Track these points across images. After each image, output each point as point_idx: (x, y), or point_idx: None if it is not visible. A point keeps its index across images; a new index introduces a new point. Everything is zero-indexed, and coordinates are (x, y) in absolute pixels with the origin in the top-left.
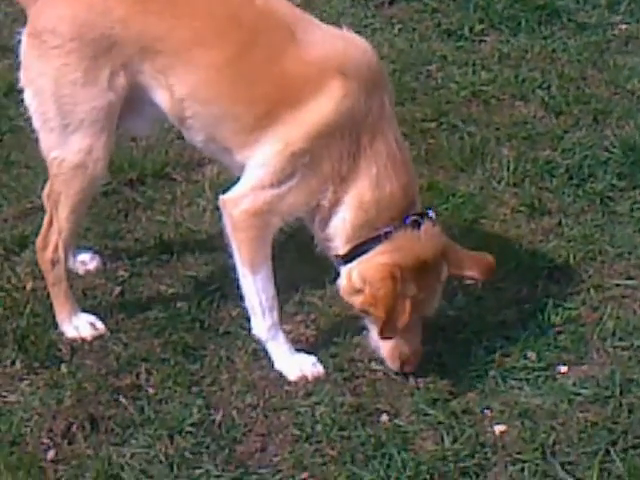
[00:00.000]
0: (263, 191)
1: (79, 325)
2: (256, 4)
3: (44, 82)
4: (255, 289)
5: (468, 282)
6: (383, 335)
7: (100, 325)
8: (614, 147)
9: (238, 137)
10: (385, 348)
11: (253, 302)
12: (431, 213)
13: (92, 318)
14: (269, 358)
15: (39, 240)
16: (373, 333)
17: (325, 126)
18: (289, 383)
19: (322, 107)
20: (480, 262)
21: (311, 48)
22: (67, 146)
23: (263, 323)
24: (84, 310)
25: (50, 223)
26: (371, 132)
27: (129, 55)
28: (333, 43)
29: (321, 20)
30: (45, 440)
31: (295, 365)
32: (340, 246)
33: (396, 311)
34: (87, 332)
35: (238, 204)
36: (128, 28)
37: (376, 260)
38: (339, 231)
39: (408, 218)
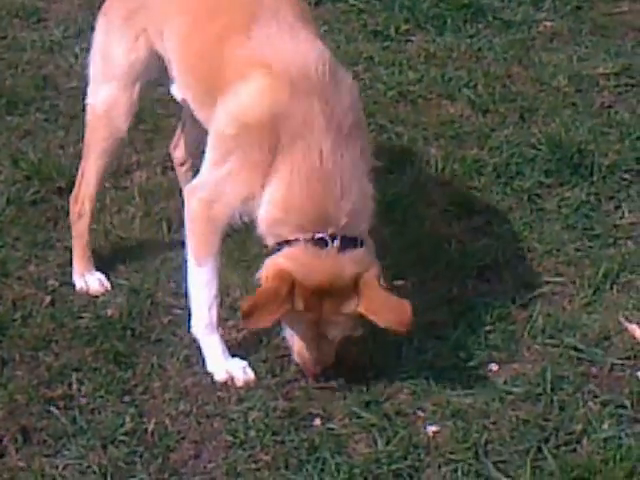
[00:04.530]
0: (210, 175)
1: (89, 280)
2: None
3: (97, 40)
4: (199, 282)
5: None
6: (241, 322)
7: (106, 283)
8: (541, 144)
9: (201, 112)
10: (293, 345)
11: (196, 296)
12: (362, 240)
13: (102, 277)
14: (201, 365)
15: (72, 195)
16: (286, 329)
17: (244, 115)
18: (221, 389)
19: (241, 97)
20: (397, 310)
21: (257, 39)
22: (97, 95)
23: (202, 319)
24: (12, 320)
25: (82, 176)
26: (290, 135)
27: (150, 18)
28: (280, 40)
29: None
30: None
31: (226, 368)
32: (266, 241)
33: (263, 310)
34: (94, 287)
35: (195, 193)
36: None
37: (277, 260)
38: (259, 224)
39: (318, 234)
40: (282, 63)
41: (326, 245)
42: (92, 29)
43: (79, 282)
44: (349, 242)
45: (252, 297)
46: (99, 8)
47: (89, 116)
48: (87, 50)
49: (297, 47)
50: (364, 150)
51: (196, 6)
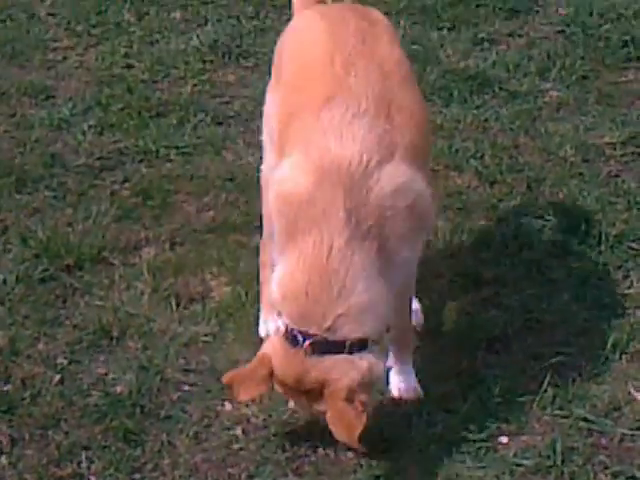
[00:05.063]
0: None
1: (269, 327)
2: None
3: None
4: None
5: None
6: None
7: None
8: (548, 215)
9: None
10: None
11: None
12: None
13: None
14: (211, 441)
15: (260, 243)
16: None
17: (276, 188)
18: (232, 465)
19: (279, 171)
20: (348, 428)
21: (321, 122)
22: (264, 163)
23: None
24: (22, 399)
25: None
26: (308, 222)
27: None
28: (335, 127)
29: (254, 97)
30: None
31: None
32: None
33: (242, 386)
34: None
35: None
36: None
37: (267, 341)
38: None
39: (293, 330)
40: (320, 149)
41: (297, 344)
42: (99, 106)
43: (261, 328)
44: (328, 346)
45: (235, 371)
46: (107, 85)
47: (261, 180)
48: (95, 127)
49: (344, 136)
50: (384, 250)
51: (291, 77)
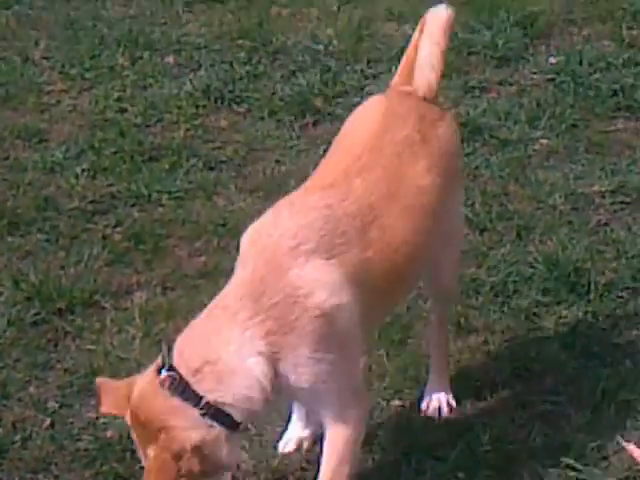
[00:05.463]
0: None
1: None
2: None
3: None
4: None
5: None
6: None
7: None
8: (538, 263)
9: None
10: None
11: None
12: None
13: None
14: None
15: None
16: None
17: None
18: None
19: None
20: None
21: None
22: None
23: None
24: (12, 442)
25: None
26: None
27: None
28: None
29: (247, 142)
30: None
31: None
32: None
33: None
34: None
35: None
36: None
37: None
38: None
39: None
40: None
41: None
42: (92, 149)
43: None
44: (186, 392)
45: (107, 380)
46: (100, 129)
47: None
48: (87, 171)
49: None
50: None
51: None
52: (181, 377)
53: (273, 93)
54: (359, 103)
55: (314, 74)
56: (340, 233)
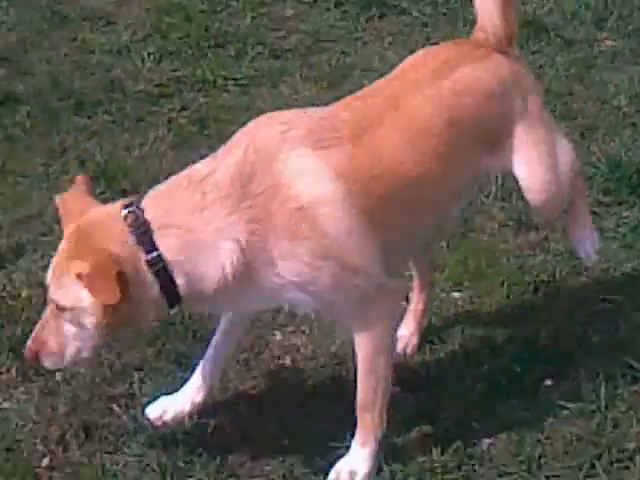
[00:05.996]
0: None
1: None
2: None
3: None
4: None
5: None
6: None
7: None
8: (600, 163)
9: None
10: None
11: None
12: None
13: None
14: (260, 369)
15: None
16: None
17: None
18: (280, 393)
19: None
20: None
21: None
22: None
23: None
24: None
25: None
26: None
27: None
28: None
29: (312, 32)
30: (40, 447)
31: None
32: None
33: None
34: None
35: None
36: None
37: None
38: None
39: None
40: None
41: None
42: (159, 33)
43: None
44: (145, 235)
45: None
46: (167, 13)
47: None
48: (154, 55)
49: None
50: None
51: None
52: (146, 221)
53: None
54: None
55: None
56: (332, 129)
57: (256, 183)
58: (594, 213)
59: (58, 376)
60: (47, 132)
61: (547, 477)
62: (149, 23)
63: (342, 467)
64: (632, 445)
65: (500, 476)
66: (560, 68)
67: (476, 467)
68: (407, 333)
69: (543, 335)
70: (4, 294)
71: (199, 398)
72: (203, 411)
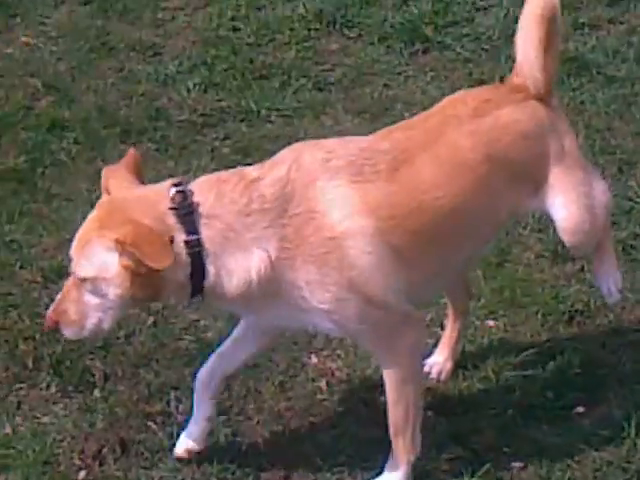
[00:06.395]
0: None
1: None
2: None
3: None
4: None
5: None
6: None
7: None
8: (638, 197)
9: None
10: None
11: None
12: None
13: None
14: (295, 390)
15: None
16: None
17: None
18: (314, 415)
19: None
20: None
21: None
22: None
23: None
24: (116, 338)
25: None
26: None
27: None
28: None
29: (356, 66)
30: (77, 461)
31: None
32: None
33: None
34: None
35: None
36: None
37: None
38: None
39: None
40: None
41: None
42: (205, 65)
43: None
44: (188, 217)
45: None
46: (213, 45)
47: None
48: (199, 85)
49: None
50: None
51: None
52: (194, 203)
53: (384, 20)
54: (468, 34)
55: (426, 2)
56: (371, 163)
57: (295, 204)
58: (630, 246)
59: (97, 393)
60: (92, 158)
61: None
62: (195, 54)
63: None
64: None
65: None
66: (601, 104)
67: None
68: (441, 359)
69: (575, 363)
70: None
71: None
72: (238, 430)
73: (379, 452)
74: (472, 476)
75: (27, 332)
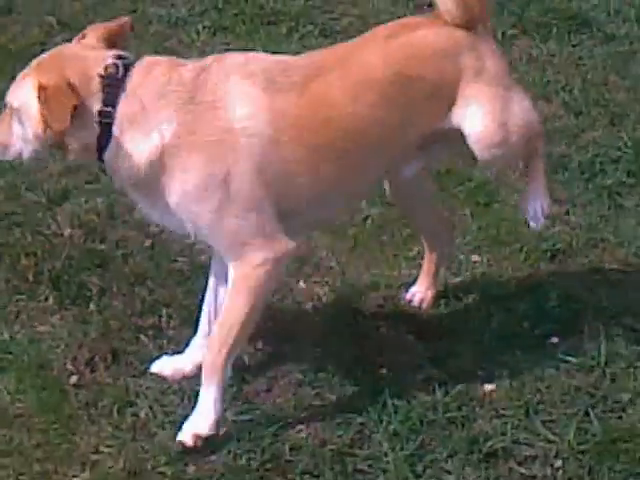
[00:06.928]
0: None
1: None
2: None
3: None
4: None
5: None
6: None
7: None
8: (627, 147)
9: None
10: None
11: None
12: None
13: None
14: (284, 313)
15: None
16: None
17: None
18: (298, 334)
19: None
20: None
21: None
22: None
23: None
24: (114, 257)
25: None
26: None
27: None
28: None
29: (362, 15)
30: (69, 367)
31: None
32: None
33: None
34: None
35: None
36: None
37: None
38: None
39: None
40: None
41: None
42: (215, 9)
43: None
44: (114, 85)
45: None
46: None
47: None
48: (209, 28)
49: None
50: None
51: None
52: (122, 79)
53: None
54: None
55: None
56: (286, 75)
57: (204, 91)
58: (617, 193)
59: (92, 306)
60: None
61: (543, 422)
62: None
63: (186, 428)
64: (626, 397)
65: (498, 417)
66: (598, 60)
67: (476, 409)
68: (423, 288)
69: (553, 297)
70: (48, 232)
71: (200, 358)
72: None
73: (358, 370)
74: (445, 394)
75: (29, 248)
